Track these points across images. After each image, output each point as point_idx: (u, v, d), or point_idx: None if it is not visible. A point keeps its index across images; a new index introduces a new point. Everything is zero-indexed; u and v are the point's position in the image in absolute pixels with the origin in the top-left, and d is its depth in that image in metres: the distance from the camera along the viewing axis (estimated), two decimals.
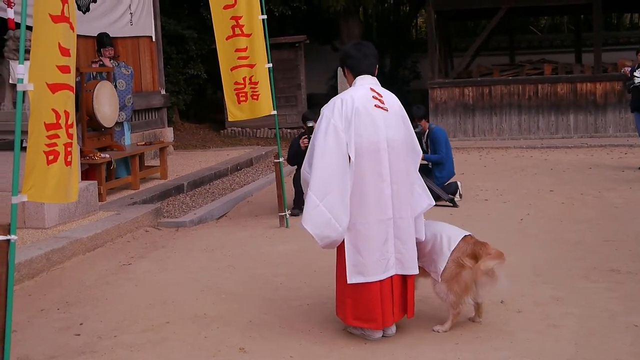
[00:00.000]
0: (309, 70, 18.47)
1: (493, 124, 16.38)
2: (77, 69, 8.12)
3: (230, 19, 8.15)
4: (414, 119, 9.48)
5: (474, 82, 16.84)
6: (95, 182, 8.93)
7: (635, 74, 11.42)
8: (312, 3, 18.59)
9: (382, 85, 4.97)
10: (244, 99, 8.29)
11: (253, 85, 8.25)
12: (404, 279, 4.86)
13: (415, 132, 9.61)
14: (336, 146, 4.64)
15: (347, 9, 18.50)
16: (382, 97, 4.81)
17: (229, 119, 8.73)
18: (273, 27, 12.57)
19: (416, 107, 9.74)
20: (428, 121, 10.14)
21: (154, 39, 13.91)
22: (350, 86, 4.93)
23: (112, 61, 10.66)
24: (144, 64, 13.66)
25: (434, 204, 5.10)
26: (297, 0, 17.94)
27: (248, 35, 8.17)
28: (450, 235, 4.97)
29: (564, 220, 8.19)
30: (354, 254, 4.72)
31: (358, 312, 4.78)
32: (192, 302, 5.78)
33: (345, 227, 4.68)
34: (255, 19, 8.16)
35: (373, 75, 4.93)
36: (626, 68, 11.86)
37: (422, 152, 5.14)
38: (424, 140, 9.66)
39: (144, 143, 11.74)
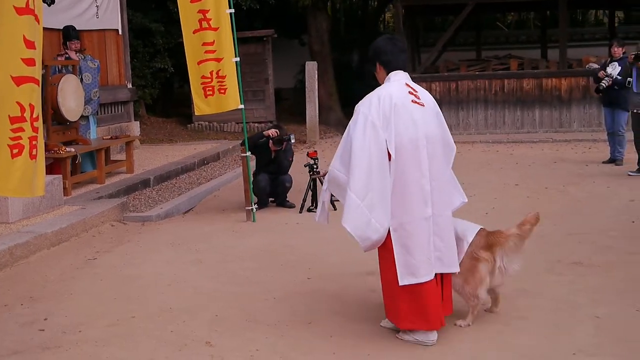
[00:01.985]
0: (276, 65, 18.43)
1: (460, 118, 16.49)
2: (42, 62, 8.05)
3: (198, 12, 8.09)
4: None
5: (441, 77, 16.94)
6: (60, 176, 8.87)
7: (608, 69, 11.51)
8: None
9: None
10: (211, 92, 8.25)
11: (220, 79, 8.21)
12: (441, 277, 4.75)
13: None
14: (375, 144, 4.50)
15: (315, 4, 18.49)
16: (417, 92, 4.70)
17: (196, 113, 8.68)
18: (241, 21, 12.51)
19: None
20: None
21: (120, 32, 13.81)
22: (382, 83, 4.81)
23: (78, 54, 10.58)
24: (110, 57, 13.56)
25: (466, 201, 5.05)
26: None
27: (215, 29, 8.13)
28: (464, 229, 4.98)
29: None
30: (403, 254, 4.57)
31: (416, 314, 4.62)
32: (158, 296, 5.77)
33: (386, 227, 4.55)
34: (222, 12, 8.11)
35: (405, 70, 4.81)
36: (592, 64, 11.93)
37: (455, 147, 4.99)
38: None
39: (110, 137, 11.64)
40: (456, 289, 4.94)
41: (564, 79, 16.23)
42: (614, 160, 11.71)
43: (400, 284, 4.57)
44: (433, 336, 4.65)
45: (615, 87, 11.26)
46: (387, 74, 4.80)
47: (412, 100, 4.63)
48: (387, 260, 4.65)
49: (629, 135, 11.41)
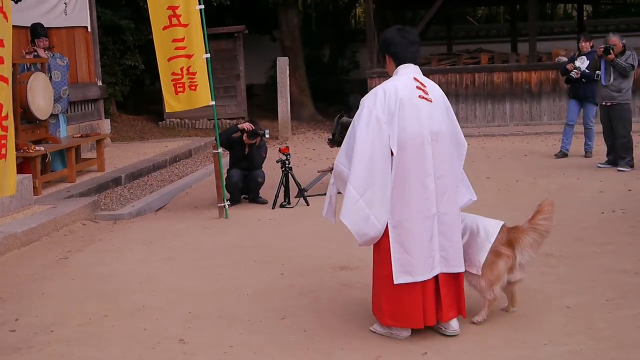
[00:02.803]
0: (248, 61, 18.38)
1: None
2: None
3: (167, 8, 8.05)
4: (352, 109, 9.52)
5: None
6: (30, 175, 8.80)
7: (576, 62, 11.60)
8: None
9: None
10: (182, 89, 8.21)
11: (191, 76, 8.18)
12: (455, 276, 4.67)
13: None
14: (378, 139, 4.43)
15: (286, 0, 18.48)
16: (425, 87, 4.57)
17: (167, 110, 8.64)
18: (211, 17, 12.43)
19: (354, 97, 9.78)
20: None
21: (89, 29, 13.70)
22: (391, 75, 4.69)
23: (46, 52, 10.48)
24: (80, 54, 13.44)
25: (475, 199, 4.93)
26: None
27: (185, 26, 8.09)
28: (487, 227, 4.87)
29: (500, 207, 8.34)
30: (400, 252, 4.48)
31: (396, 312, 4.58)
32: (130, 294, 5.74)
33: (383, 224, 4.48)
34: (192, 8, 8.08)
35: (416, 63, 4.69)
36: (561, 57, 11.95)
37: (466, 144, 4.89)
38: None
39: (80, 135, 11.56)
40: (472, 283, 4.86)
41: (534, 73, 16.36)
42: (565, 154, 11.81)
43: (395, 282, 4.49)
44: (407, 332, 4.65)
45: (583, 79, 11.37)
46: (397, 66, 4.68)
47: (419, 96, 4.52)
48: (381, 257, 4.60)
49: (597, 128, 11.56)
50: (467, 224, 4.89)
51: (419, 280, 4.50)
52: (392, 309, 4.59)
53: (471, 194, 4.90)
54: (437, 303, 4.61)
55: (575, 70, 11.42)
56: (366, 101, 4.54)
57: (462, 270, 4.70)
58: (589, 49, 11.57)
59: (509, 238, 4.87)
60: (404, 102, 4.45)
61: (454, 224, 4.65)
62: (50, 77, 10.31)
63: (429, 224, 4.51)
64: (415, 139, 4.45)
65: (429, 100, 4.54)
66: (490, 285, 4.80)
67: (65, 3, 12.77)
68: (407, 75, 4.60)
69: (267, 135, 9.07)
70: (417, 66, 4.69)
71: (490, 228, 4.87)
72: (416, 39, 4.72)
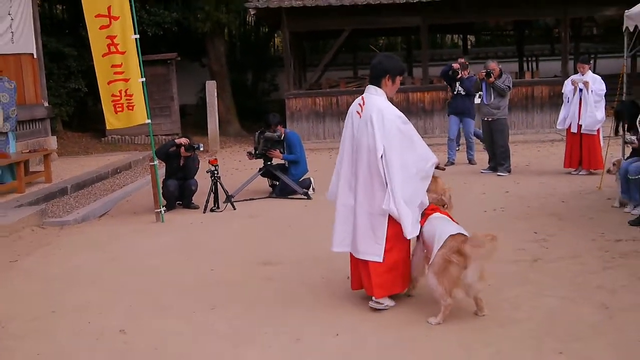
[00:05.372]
0: (180, 84, 18.15)
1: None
2: None
3: (106, 38, 7.92)
4: (271, 125, 9.54)
5: (324, 92, 17.09)
6: None
7: (457, 84, 11.93)
8: (182, 25, 18.32)
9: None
10: (121, 109, 8.07)
11: (128, 97, 8.05)
12: (364, 261, 4.85)
13: (277, 135, 9.69)
14: (344, 140, 5.05)
15: (213, 30, 18.36)
16: (364, 105, 4.89)
17: (108, 128, 8.44)
18: (147, 46, 12.22)
19: (272, 114, 9.80)
20: (285, 127, 10.18)
21: (35, 56, 13.26)
22: None
23: None
24: (27, 78, 12.99)
25: (392, 211, 4.66)
26: (168, 22, 17.65)
27: (122, 53, 7.97)
28: (441, 232, 4.62)
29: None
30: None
31: None
32: (76, 292, 5.58)
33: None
34: (128, 38, 7.96)
35: (378, 85, 4.94)
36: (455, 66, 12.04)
37: (383, 154, 4.71)
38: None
39: (28, 151, 11.19)
40: (431, 287, 4.62)
41: (427, 93, 16.68)
42: (452, 163, 12.07)
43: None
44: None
45: (451, 73, 11.89)
46: None
47: (356, 111, 4.93)
48: None
49: (476, 140, 11.93)
50: (435, 228, 4.71)
51: (333, 250, 5.03)
52: None
53: (388, 205, 4.68)
54: (359, 276, 4.99)
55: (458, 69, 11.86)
56: None
57: (360, 257, 4.85)
58: (467, 75, 11.95)
59: (460, 248, 4.51)
60: (348, 116, 5.03)
61: (360, 218, 4.83)
62: None
63: (345, 211, 4.93)
64: (350, 145, 4.95)
65: (360, 116, 4.88)
66: (445, 292, 4.53)
67: (12, 32, 12.34)
68: (363, 94, 4.98)
69: (201, 149, 9.04)
70: (377, 87, 4.94)
71: (443, 233, 4.62)
72: (373, 65, 5.04)
